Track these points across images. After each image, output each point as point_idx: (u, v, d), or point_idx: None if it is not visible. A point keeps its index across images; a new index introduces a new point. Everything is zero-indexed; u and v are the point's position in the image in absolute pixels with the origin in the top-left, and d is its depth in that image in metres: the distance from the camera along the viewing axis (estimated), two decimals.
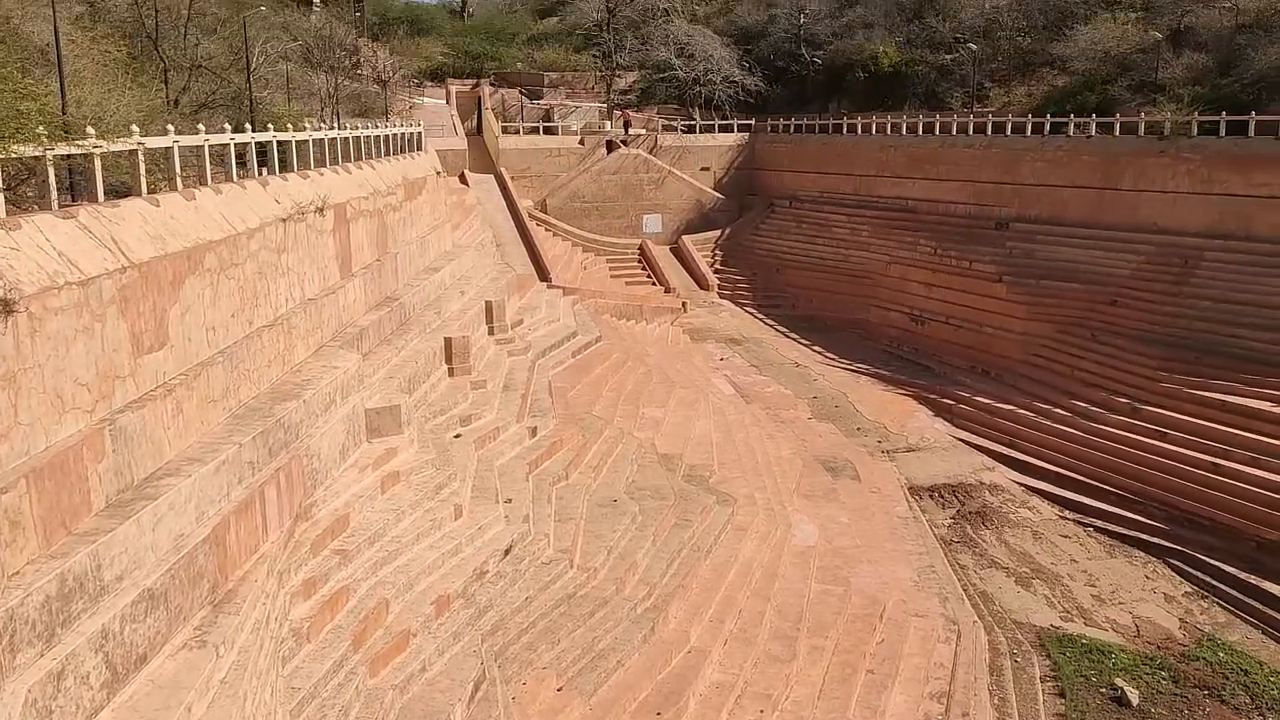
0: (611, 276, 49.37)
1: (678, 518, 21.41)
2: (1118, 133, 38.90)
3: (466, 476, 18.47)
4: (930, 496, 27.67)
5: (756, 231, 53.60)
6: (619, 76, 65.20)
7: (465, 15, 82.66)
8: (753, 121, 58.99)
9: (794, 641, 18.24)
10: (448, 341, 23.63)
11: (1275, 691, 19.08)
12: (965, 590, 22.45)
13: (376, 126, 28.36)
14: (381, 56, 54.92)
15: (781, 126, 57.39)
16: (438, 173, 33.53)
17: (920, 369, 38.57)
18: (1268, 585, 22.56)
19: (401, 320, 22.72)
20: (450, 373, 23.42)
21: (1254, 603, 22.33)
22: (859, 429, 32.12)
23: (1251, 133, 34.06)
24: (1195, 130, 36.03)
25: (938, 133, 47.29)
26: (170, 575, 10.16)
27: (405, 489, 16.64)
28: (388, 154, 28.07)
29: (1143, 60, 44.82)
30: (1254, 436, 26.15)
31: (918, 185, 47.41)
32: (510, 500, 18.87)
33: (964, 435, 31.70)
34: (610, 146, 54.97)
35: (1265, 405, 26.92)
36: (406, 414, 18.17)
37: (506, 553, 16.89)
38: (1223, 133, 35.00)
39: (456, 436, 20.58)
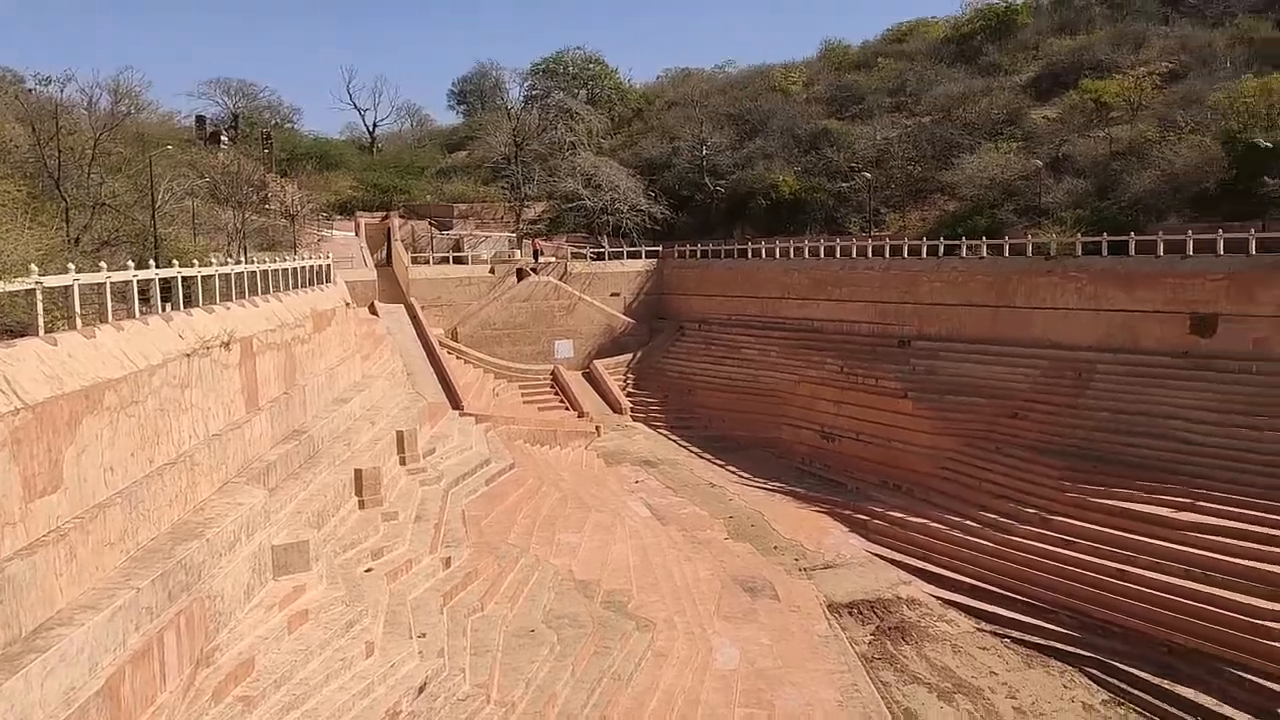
0: (524, 402, 49.31)
1: (597, 646, 21.00)
2: (1007, 253, 40.80)
3: (378, 612, 17.92)
4: (849, 613, 27.62)
5: (668, 354, 54.30)
6: (528, 207, 66.53)
7: (374, 150, 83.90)
8: (660, 248, 60.48)
9: None
10: (358, 473, 23.21)
11: None
12: (889, 708, 22.27)
13: (284, 260, 28.29)
14: (290, 191, 55.14)
15: (688, 252, 58.92)
16: (347, 304, 33.45)
17: (833, 485, 38.97)
18: (1181, 690, 22.87)
19: (310, 453, 22.28)
20: (361, 505, 22.94)
21: (1170, 708, 22.57)
22: (776, 547, 32.12)
23: (1132, 251, 36.05)
24: (1080, 250, 38.06)
25: (839, 256, 48.97)
26: None
27: (314, 627, 16.05)
28: (296, 287, 27.95)
29: (1026, 186, 47.49)
30: (1156, 543, 26.87)
31: (822, 306, 48.78)
32: (424, 635, 18.30)
33: (879, 550, 31.90)
34: (520, 275, 55.64)
35: (1165, 511, 27.77)
36: (315, 549, 17.67)
37: (421, 690, 16.30)
38: (1105, 252, 36.98)
39: (368, 571, 20.03)
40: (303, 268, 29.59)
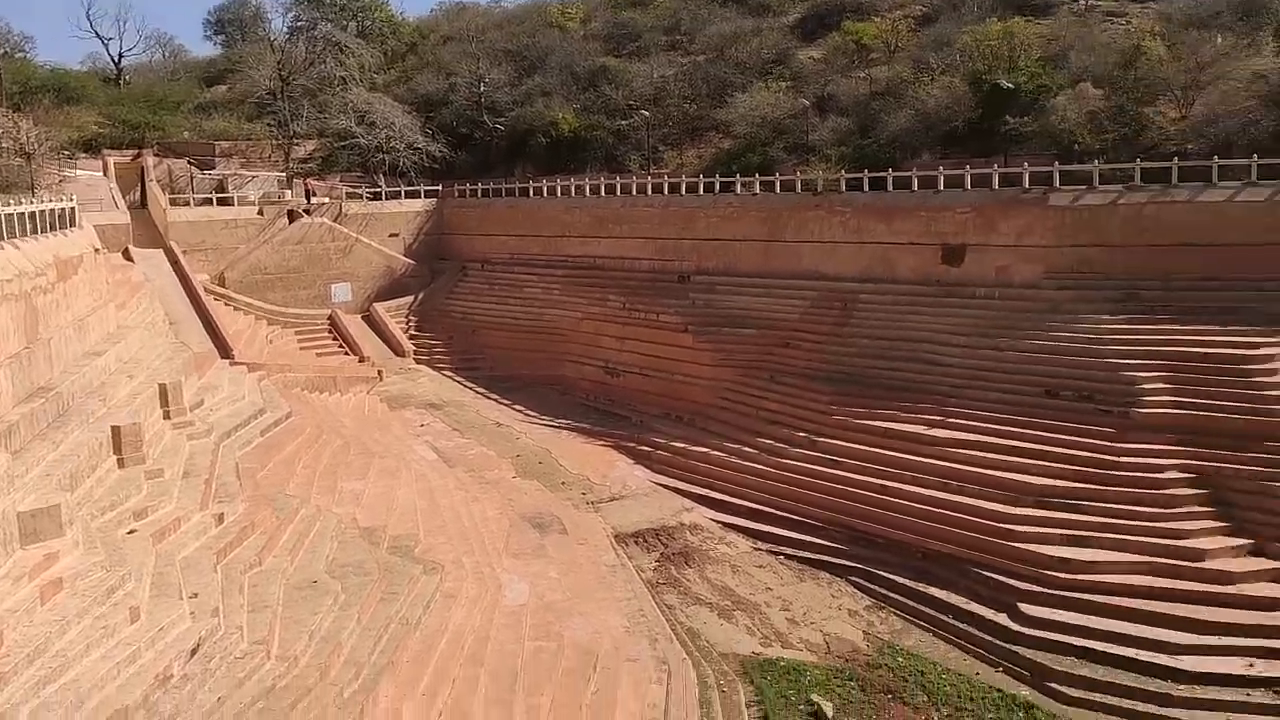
0: (301, 349, 47.52)
1: (384, 592, 20.73)
2: (779, 190, 42.33)
3: (143, 575, 17.00)
4: (635, 543, 28.43)
5: (450, 295, 53.52)
6: (298, 145, 63.43)
7: (121, 83, 77.61)
8: (440, 187, 59.14)
9: (510, 704, 18.10)
10: (115, 430, 21.76)
11: (948, 689, 21.09)
12: (673, 629, 23.20)
13: (20, 203, 25.92)
14: (24, 127, 50.25)
15: (469, 191, 57.96)
16: (96, 250, 31.12)
17: (618, 419, 39.73)
18: (934, 591, 24.96)
19: (59, 411, 20.76)
20: (120, 464, 21.55)
21: (925, 609, 24.65)
22: (563, 483, 32.56)
23: (890, 187, 38.16)
24: (844, 186, 39.94)
25: (619, 193, 49.40)
26: None
27: (70, 596, 15.08)
28: (35, 232, 25.74)
29: (795, 124, 49.20)
30: (911, 458, 29.00)
31: (604, 244, 49.19)
32: (196, 595, 17.53)
33: (663, 480, 32.90)
34: (292, 216, 53.18)
35: (918, 429, 29.93)
36: (68, 514, 16.54)
37: (194, 652, 15.65)
38: (866, 188, 38.97)
39: (131, 532, 18.92)
40: (43, 211, 27.23)
